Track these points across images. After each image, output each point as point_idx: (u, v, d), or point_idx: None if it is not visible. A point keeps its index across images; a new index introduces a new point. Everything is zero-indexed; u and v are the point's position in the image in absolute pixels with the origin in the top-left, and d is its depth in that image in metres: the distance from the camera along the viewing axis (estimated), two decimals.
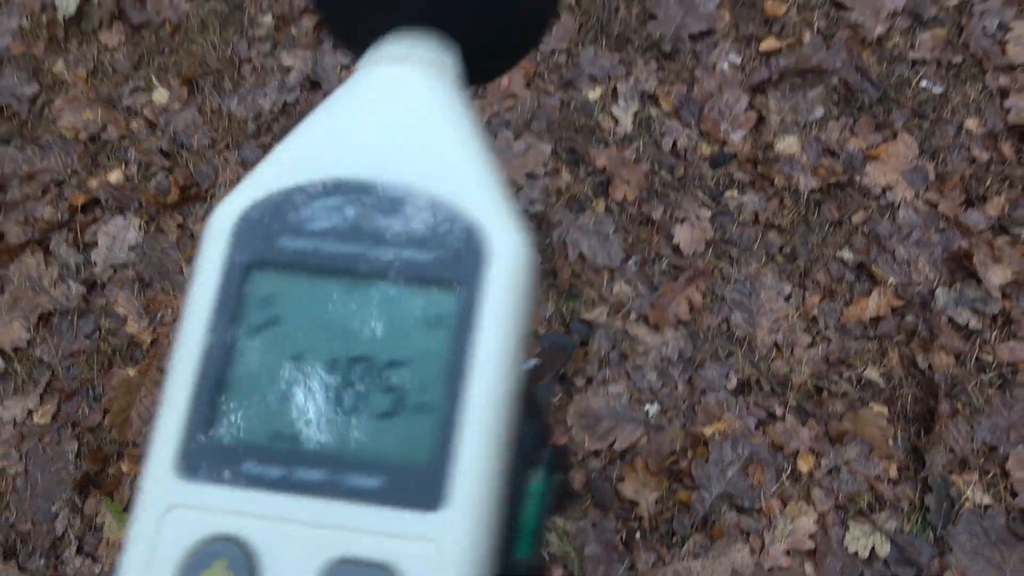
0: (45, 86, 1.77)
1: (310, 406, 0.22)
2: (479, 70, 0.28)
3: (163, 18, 1.81)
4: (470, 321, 0.22)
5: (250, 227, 0.23)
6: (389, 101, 0.24)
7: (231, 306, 0.23)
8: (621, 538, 1.31)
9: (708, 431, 1.37)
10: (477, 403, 0.21)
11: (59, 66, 1.78)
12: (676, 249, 1.50)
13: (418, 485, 0.21)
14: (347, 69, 1.73)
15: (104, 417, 1.41)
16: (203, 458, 0.22)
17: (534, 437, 0.26)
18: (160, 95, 1.74)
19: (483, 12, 0.26)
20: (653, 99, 1.63)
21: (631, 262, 1.50)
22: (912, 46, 1.64)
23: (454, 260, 0.22)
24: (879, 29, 1.64)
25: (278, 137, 1.66)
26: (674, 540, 1.31)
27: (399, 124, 0.24)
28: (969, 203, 1.50)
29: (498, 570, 0.24)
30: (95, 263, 1.56)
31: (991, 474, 1.33)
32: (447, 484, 0.21)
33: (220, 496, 0.21)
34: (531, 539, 0.26)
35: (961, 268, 1.44)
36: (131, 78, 1.77)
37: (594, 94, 1.65)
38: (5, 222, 1.60)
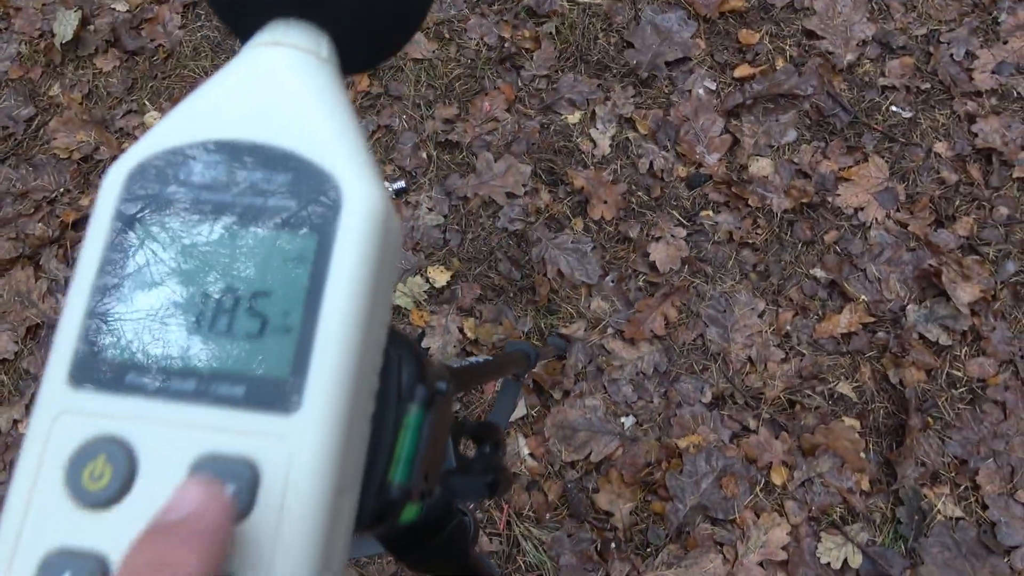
0: (41, 108, 1.82)
1: (186, 329, 0.25)
2: (353, 59, 0.32)
3: (157, 44, 1.87)
4: (325, 257, 0.25)
5: (139, 180, 0.27)
6: (263, 76, 0.28)
7: (120, 245, 0.26)
8: (596, 548, 1.32)
9: (683, 443, 1.39)
10: (329, 326, 0.25)
11: (55, 89, 1.83)
12: (652, 266, 1.53)
13: (276, 393, 0.24)
14: None
15: None
16: (91, 370, 0.25)
17: (410, 374, 0.30)
18: (152, 117, 1.78)
19: (348, 8, 0.30)
20: (630, 123, 1.68)
21: (608, 279, 1.53)
22: (882, 73, 1.69)
23: (314, 207, 0.26)
24: (849, 57, 1.70)
25: None
26: (648, 550, 1.32)
27: (270, 95, 0.28)
28: (938, 223, 1.54)
29: (369, 483, 0.27)
30: None
31: (962, 487, 1.34)
32: (301, 392, 0.24)
33: (105, 403, 0.24)
34: (407, 465, 0.29)
35: (931, 286, 1.48)
36: (124, 101, 1.82)
37: (573, 118, 1.70)
38: None
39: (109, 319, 0.25)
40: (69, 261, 1.62)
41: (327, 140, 0.27)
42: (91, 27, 1.90)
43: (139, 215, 0.26)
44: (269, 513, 0.23)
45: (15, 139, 1.78)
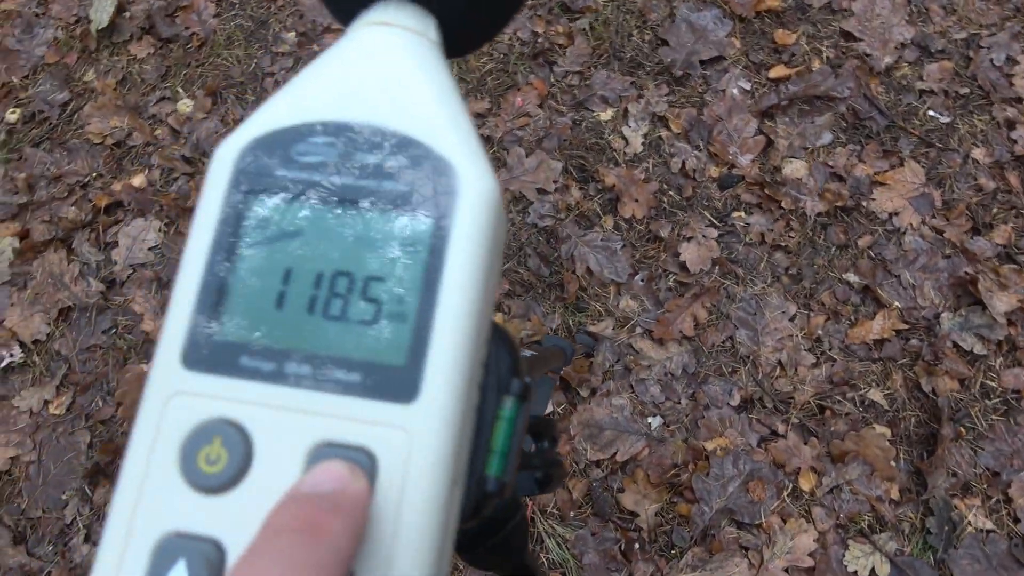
0: (76, 94, 1.83)
1: (301, 312, 0.25)
2: (456, 42, 0.31)
3: (191, 32, 1.88)
4: (442, 244, 0.25)
5: (250, 160, 0.27)
6: (372, 56, 0.28)
7: (231, 225, 0.26)
8: (620, 548, 1.31)
9: (710, 446, 1.38)
10: (446, 315, 0.24)
11: (90, 75, 1.85)
12: (683, 266, 1.52)
13: (393, 381, 0.24)
14: None
15: (117, 410, 1.44)
16: (205, 352, 0.25)
17: (506, 367, 0.29)
18: (185, 105, 1.79)
19: None
20: (663, 121, 1.67)
21: (638, 278, 1.52)
22: (920, 77, 1.67)
23: (430, 191, 0.25)
24: (887, 59, 1.68)
25: None
26: (673, 552, 1.31)
27: (386, 77, 0.27)
28: (975, 231, 1.52)
29: (469, 476, 0.27)
30: (115, 262, 1.60)
31: (993, 499, 1.32)
32: (418, 381, 0.24)
33: (220, 385, 0.24)
34: (502, 459, 0.28)
35: (966, 294, 1.46)
36: (158, 88, 1.83)
37: (605, 115, 1.69)
38: (31, 220, 1.65)
39: (222, 300, 0.25)
40: (101, 245, 1.63)
41: (442, 125, 0.26)
42: (127, 14, 1.91)
43: (251, 193, 0.26)
44: (387, 506, 0.22)
45: (50, 123, 1.79)
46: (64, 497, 1.39)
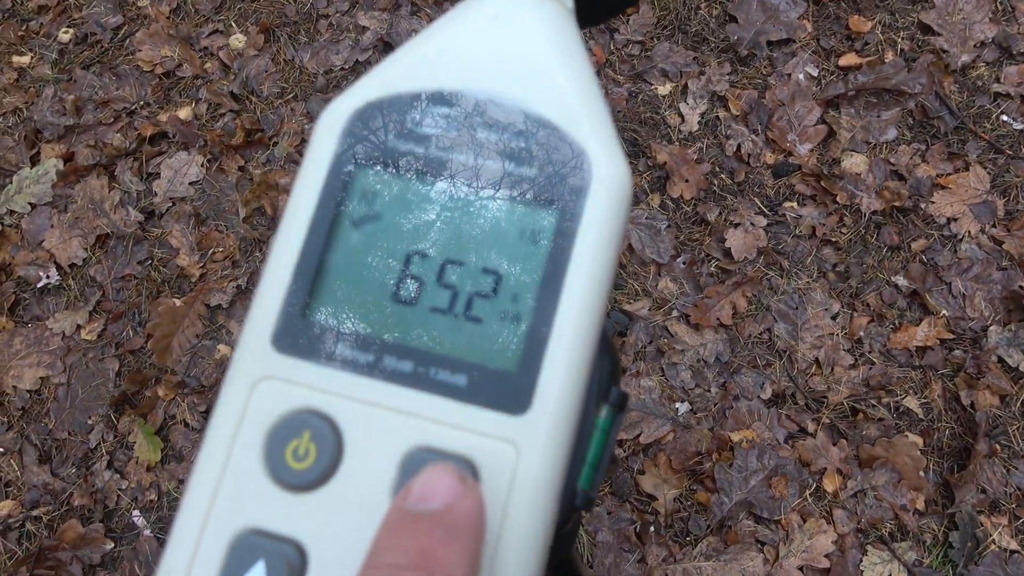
0: (129, 19, 1.81)
1: (404, 301, 0.23)
2: (591, 11, 0.28)
3: None
4: (568, 241, 0.22)
5: (361, 125, 0.24)
6: (506, 23, 0.25)
7: (336, 197, 0.24)
8: (635, 530, 1.31)
9: (736, 437, 1.36)
10: (566, 320, 0.22)
11: (144, 0, 1.83)
12: (727, 253, 1.48)
13: (503, 389, 0.21)
14: None
15: (147, 342, 1.45)
16: (298, 335, 0.23)
17: (607, 373, 0.27)
18: (237, 40, 1.77)
19: None
20: (723, 101, 1.62)
21: (680, 260, 1.49)
22: (997, 79, 1.60)
23: (557, 179, 0.23)
24: (965, 58, 1.61)
25: None
26: (688, 539, 1.30)
27: (515, 46, 0.24)
28: None
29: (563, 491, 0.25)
30: (156, 193, 1.60)
31: (1021, 520, 1.29)
32: (532, 392, 0.21)
33: (312, 372, 0.22)
34: (591, 471, 0.26)
35: (1018, 309, 1.41)
36: (211, 20, 1.80)
37: (664, 89, 1.64)
38: (76, 144, 1.64)
39: (319, 280, 0.23)
40: (143, 175, 1.62)
41: (575, 105, 0.23)
42: None
43: (360, 162, 0.24)
44: (489, 522, 0.20)
45: (101, 47, 1.78)
46: (90, 422, 1.41)
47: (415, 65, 0.25)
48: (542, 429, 0.21)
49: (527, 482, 0.21)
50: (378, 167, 0.24)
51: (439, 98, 0.24)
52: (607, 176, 0.23)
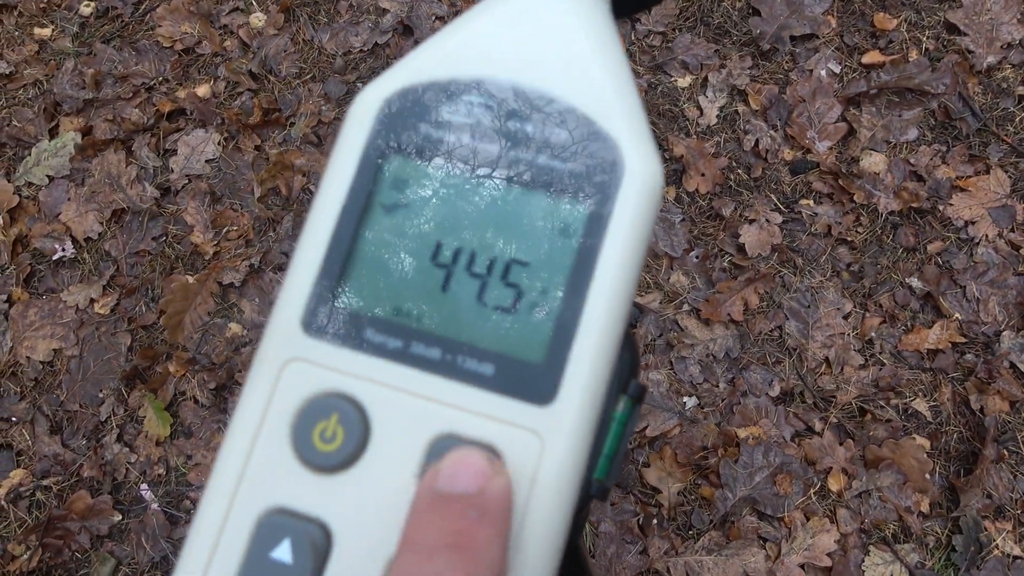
0: None
1: (433, 289, 0.23)
2: (627, 1, 0.28)
3: None
4: (598, 235, 0.22)
5: (394, 112, 0.24)
6: (541, 13, 0.25)
7: (368, 183, 0.24)
8: (638, 522, 1.31)
9: (743, 433, 1.36)
10: (594, 313, 0.22)
11: None
12: (741, 248, 1.48)
13: (530, 379, 0.22)
14: (441, 20, 1.74)
15: (159, 318, 1.46)
16: (328, 319, 0.23)
17: (628, 365, 0.27)
18: (257, 19, 1.77)
19: None
20: (743, 95, 1.61)
21: (693, 254, 1.49)
22: (1023, 81, 1.58)
23: (589, 172, 0.23)
24: (990, 59, 1.59)
25: (364, 76, 1.68)
26: (690, 533, 1.31)
27: (549, 36, 0.24)
28: None
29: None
30: (172, 170, 1.60)
31: None
32: (557, 384, 0.22)
33: (341, 356, 0.22)
34: (607, 462, 0.27)
35: None
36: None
37: (683, 81, 1.63)
38: (95, 117, 1.65)
39: (350, 264, 0.23)
40: (160, 151, 1.63)
41: (609, 97, 0.23)
42: None
43: (392, 149, 0.24)
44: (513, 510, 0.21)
45: (122, 20, 1.78)
46: (101, 395, 1.42)
47: (449, 53, 0.25)
48: (566, 421, 0.21)
49: (551, 472, 0.21)
50: (410, 154, 0.24)
51: (472, 87, 0.24)
52: (639, 171, 0.23)
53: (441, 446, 0.21)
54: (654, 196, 0.23)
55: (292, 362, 0.23)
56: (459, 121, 0.24)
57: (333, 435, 0.22)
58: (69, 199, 1.57)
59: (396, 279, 0.23)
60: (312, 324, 0.23)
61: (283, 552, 0.21)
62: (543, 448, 0.21)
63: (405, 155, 0.24)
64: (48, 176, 1.58)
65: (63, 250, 1.52)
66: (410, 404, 0.22)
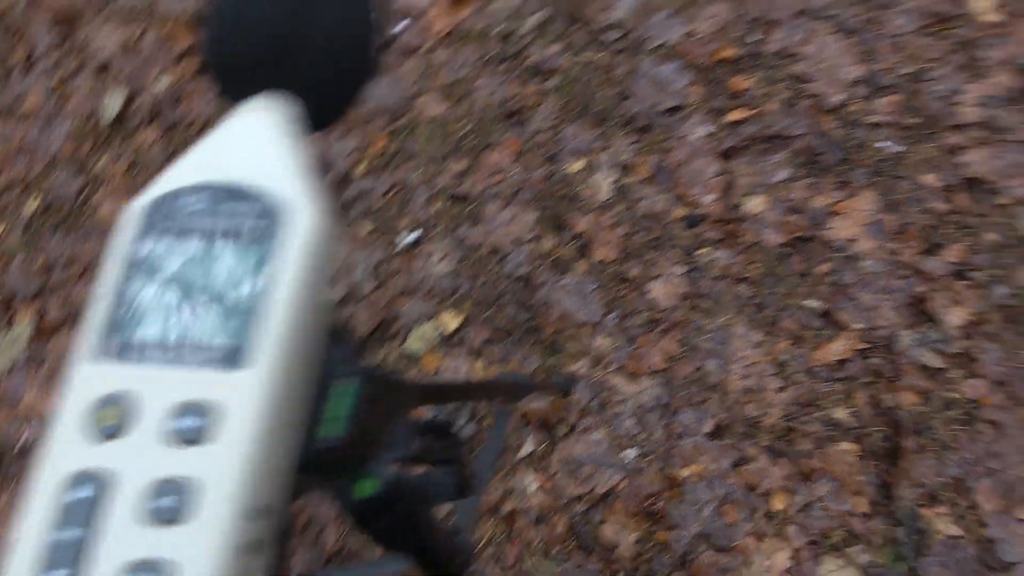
0: (89, 180, 1.99)
1: (171, 314, 0.36)
2: (321, 118, 0.43)
3: (193, 116, 2.04)
4: (272, 260, 0.36)
5: (151, 210, 0.39)
6: (242, 135, 0.41)
7: (133, 257, 0.38)
8: None
9: (684, 473, 1.44)
10: (272, 313, 0.35)
11: (102, 162, 2.01)
12: (652, 304, 1.61)
13: (231, 356, 0.34)
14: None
15: None
16: (105, 346, 0.36)
17: (343, 358, 0.40)
18: None
19: (316, 83, 0.42)
20: (630, 168, 1.78)
21: (610, 317, 1.61)
22: (871, 111, 1.76)
23: (265, 225, 0.37)
24: (839, 97, 1.78)
25: None
26: None
27: (246, 148, 0.40)
28: (928, 251, 1.59)
29: (303, 439, 0.37)
30: None
31: (960, 507, 1.37)
32: (248, 355, 0.34)
33: (111, 368, 0.35)
34: (342, 423, 0.39)
35: (922, 312, 1.52)
36: (164, 169, 1.98)
37: (576, 166, 1.80)
38: (48, 302, 1.79)
39: (119, 309, 0.36)
40: None
41: (282, 177, 0.38)
42: (135, 105, 2.08)
43: (147, 233, 0.38)
44: (226, 445, 0.33)
45: (65, 211, 1.94)
46: None
47: (181, 171, 0.39)
48: (255, 378, 0.34)
49: (246, 410, 0.33)
50: (159, 235, 0.38)
51: (195, 188, 0.38)
52: (297, 217, 0.37)
53: (182, 412, 0.33)
54: (313, 233, 0.37)
55: (83, 380, 0.35)
56: (189, 210, 0.38)
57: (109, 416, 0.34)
58: (31, 386, 1.68)
59: (147, 313, 0.36)
60: (94, 352, 0.35)
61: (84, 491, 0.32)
62: (240, 396, 0.33)
63: (157, 235, 0.38)
64: (8, 368, 1.70)
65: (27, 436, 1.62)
66: (157, 387, 0.34)
